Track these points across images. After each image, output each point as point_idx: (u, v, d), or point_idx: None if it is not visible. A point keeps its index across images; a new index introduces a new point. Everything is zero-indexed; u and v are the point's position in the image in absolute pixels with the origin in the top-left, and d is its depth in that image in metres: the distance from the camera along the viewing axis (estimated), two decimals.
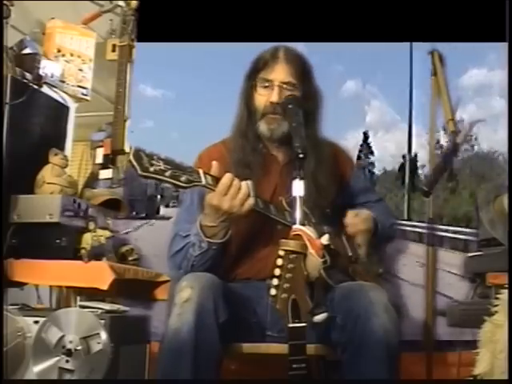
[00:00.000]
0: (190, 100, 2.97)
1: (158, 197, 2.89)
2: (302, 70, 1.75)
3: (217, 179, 1.52)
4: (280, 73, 1.72)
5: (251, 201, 1.53)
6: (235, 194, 1.51)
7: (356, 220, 1.73)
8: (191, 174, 1.47)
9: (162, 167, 1.43)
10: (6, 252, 2.14)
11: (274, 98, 1.70)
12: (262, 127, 1.74)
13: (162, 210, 2.87)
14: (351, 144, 2.82)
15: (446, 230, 2.68)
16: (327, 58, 2.79)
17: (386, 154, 2.95)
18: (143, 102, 2.96)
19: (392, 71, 2.87)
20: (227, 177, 1.51)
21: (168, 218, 2.79)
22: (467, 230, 2.69)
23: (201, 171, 1.50)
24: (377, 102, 2.91)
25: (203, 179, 1.50)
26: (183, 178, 1.46)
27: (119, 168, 2.65)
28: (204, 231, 1.59)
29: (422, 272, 2.54)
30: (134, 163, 1.41)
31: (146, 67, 2.91)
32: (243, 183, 1.52)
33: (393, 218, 1.97)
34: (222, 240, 1.60)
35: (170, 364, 1.45)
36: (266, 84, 1.73)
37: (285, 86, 1.71)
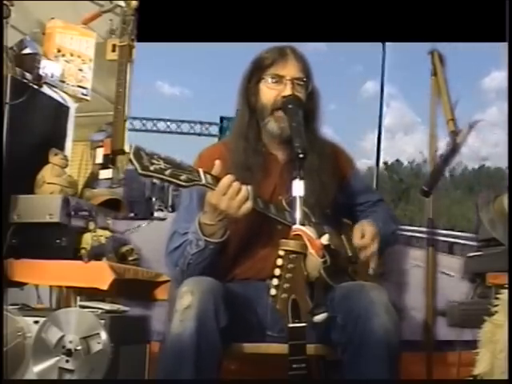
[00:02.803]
0: (208, 98, 2.94)
1: (153, 199, 2.90)
2: (309, 68, 1.76)
3: (217, 179, 1.52)
4: (291, 69, 1.72)
5: (248, 205, 1.53)
6: (234, 195, 1.51)
7: (365, 242, 1.71)
8: (191, 173, 1.48)
9: (162, 166, 1.43)
10: (6, 252, 2.14)
11: (287, 92, 1.69)
12: (272, 125, 1.73)
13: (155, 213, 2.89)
14: (369, 145, 2.77)
15: (445, 235, 2.67)
16: (347, 58, 2.74)
17: (404, 156, 2.90)
18: (161, 99, 2.94)
19: (412, 72, 2.81)
20: (228, 177, 1.51)
21: (163, 219, 2.81)
22: (465, 234, 2.68)
23: (201, 170, 1.50)
24: (396, 103, 2.87)
25: (203, 178, 1.50)
26: (183, 177, 1.46)
27: (119, 168, 2.66)
28: (202, 229, 1.59)
29: (421, 272, 2.54)
30: (134, 162, 1.41)
31: (163, 64, 2.89)
32: (244, 187, 1.52)
33: (394, 223, 1.93)
34: (220, 240, 1.60)
35: (171, 369, 1.45)
36: (277, 79, 1.72)
37: (296, 81, 1.71)
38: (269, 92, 1.73)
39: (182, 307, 1.47)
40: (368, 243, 1.71)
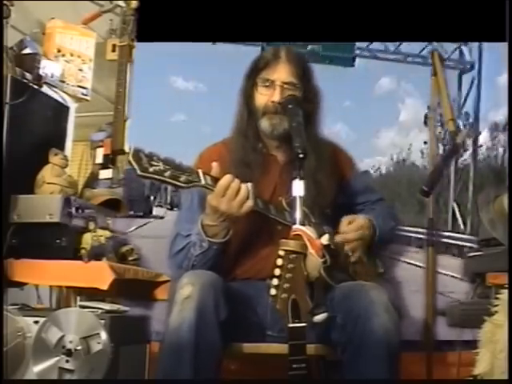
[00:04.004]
0: (224, 94, 2.89)
1: (152, 198, 2.90)
2: (303, 70, 1.75)
3: (216, 180, 1.52)
4: (282, 73, 1.72)
5: (250, 203, 1.53)
6: (233, 195, 1.51)
7: (348, 229, 1.70)
8: (190, 175, 1.48)
9: (161, 167, 1.44)
10: (6, 252, 2.14)
11: (276, 97, 1.70)
12: (264, 124, 1.73)
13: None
14: (384, 142, 2.74)
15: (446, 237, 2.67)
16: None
17: (419, 154, 2.87)
18: (175, 94, 2.89)
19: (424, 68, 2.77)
20: (226, 178, 1.51)
21: (162, 218, 2.81)
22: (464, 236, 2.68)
23: (200, 172, 1.50)
24: (411, 100, 2.83)
25: (202, 180, 1.50)
26: (182, 179, 1.46)
27: (119, 168, 2.66)
28: (205, 230, 1.59)
29: (421, 272, 2.54)
30: (134, 163, 1.41)
31: (178, 59, 2.85)
32: (243, 185, 1.52)
33: (393, 220, 1.91)
34: (223, 240, 1.60)
35: (170, 362, 1.45)
36: (267, 84, 1.73)
37: (286, 86, 1.71)
38: (260, 97, 1.74)
39: (182, 297, 1.47)
40: (349, 229, 1.69)
